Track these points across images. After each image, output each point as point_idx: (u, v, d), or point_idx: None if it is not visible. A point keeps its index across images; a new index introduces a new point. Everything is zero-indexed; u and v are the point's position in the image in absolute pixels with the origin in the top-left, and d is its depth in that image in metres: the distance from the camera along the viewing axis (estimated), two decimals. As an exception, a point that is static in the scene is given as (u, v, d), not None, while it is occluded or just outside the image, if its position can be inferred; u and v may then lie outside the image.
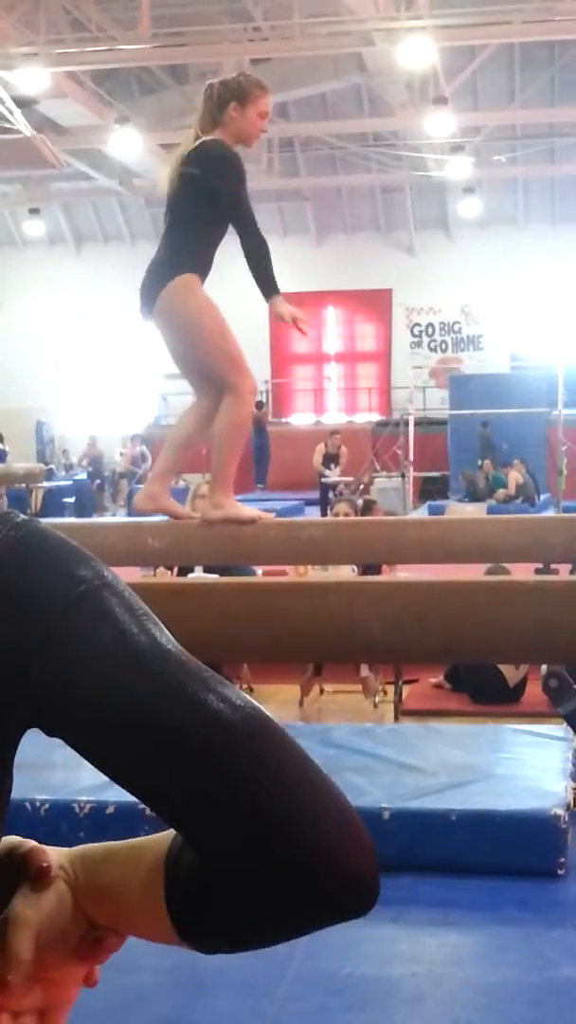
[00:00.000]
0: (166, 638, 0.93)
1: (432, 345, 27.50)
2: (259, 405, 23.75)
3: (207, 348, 4.82)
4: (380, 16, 15.76)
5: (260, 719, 0.91)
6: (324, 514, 13.58)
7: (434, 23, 15.94)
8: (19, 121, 18.24)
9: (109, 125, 19.17)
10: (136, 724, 0.89)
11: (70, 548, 0.97)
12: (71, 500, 22.38)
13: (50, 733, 0.94)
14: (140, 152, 20.10)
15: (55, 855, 1.02)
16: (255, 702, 0.92)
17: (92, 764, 0.93)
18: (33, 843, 1.03)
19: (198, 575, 7.20)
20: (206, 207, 4.68)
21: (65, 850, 1.03)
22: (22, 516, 0.98)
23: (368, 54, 17.70)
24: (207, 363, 4.83)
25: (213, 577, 6.88)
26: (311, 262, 27.33)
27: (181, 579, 6.91)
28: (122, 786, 0.93)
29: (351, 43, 17.01)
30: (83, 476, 24.44)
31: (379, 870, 0.93)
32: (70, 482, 23.79)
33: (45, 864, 0.99)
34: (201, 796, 0.89)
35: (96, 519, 16.45)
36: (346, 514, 8.91)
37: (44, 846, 1.02)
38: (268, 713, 0.92)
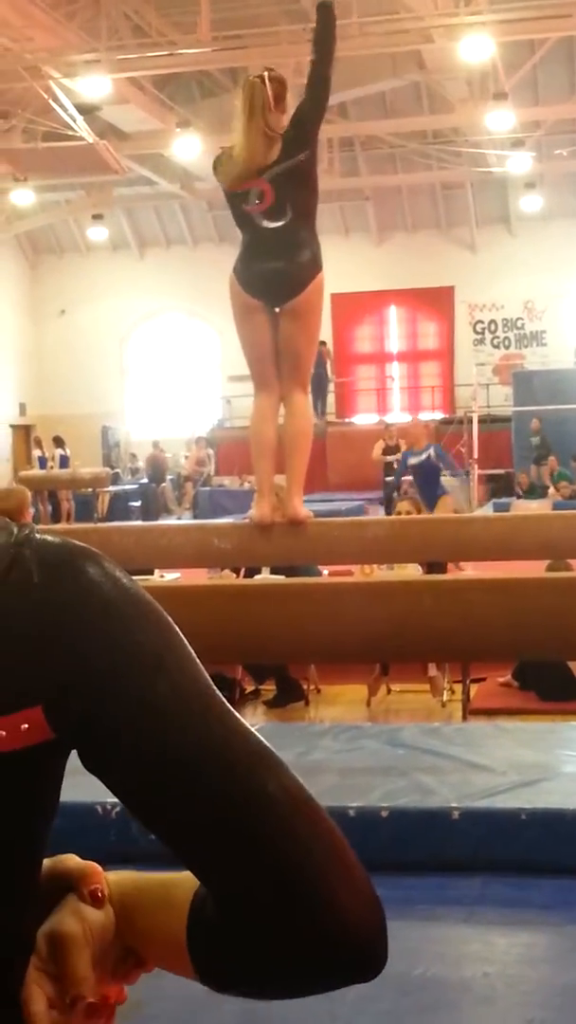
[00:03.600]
0: (212, 691, 0.97)
1: (495, 342, 27.34)
2: (321, 343, 24.16)
3: (313, 349, 5.13)
4: (439, 12, 15.72)
5: (301, 793, 0.95)
6: (388, 513, 13.59)
7: (493, 18, 15.85)
8: (82, 128, 18.38)
9: (170, 129, 19.25)
10: (181, 780, 0.92)
11: (131, 597, 0.97)
12: (137, 504, 22.47)
13: (87, 766, 0.96)
14: (201, 155, 20.16)
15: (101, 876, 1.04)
16: (298, 779, 0.96)
17: (124, 803, 0.95)
18: (76, 859, 1.04)
19: (264, 576, 7.21)
20: (314, 194, 4.88)
21: (109, 874, 1.04)
22: (79, 553, 0.97)
23: (427, 51, 17.65)
24: (308, 361, 5.14)
25: (279, 578, 6.89)
26: (373, 261, 27.29)
27: (247, 581, 6.92)
28: (154, 832, 0.95)
29: (410, 41, 16.97)
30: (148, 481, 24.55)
31: (385, 940, 0.96)
32: (136, 486, 23.90)
33: (100, 889, 1.01)
34: (232, 852, 0.92)
35: (162, 522, 16.51)
36: (408, 512, 8.88)
37: (95, 865, 1.04)
38: (305, 788, 0.96)
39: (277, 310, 4.94)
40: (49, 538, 0.97)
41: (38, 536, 0.97)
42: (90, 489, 21.17)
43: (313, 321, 5.04)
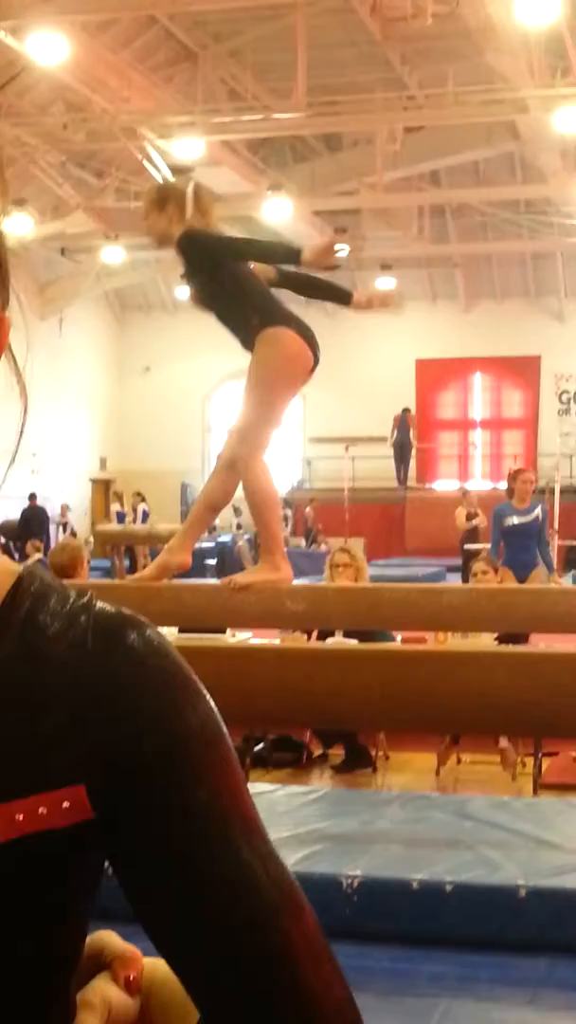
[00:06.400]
0: (251, 806, 0.94)
1: (580, 413, 27.21)
2: (406, 410, 24.90)
3: None
4: (535, 84, 15.76)
5: (321, 947, 0.92)
6: (466, 581, 13.38)
7: (588, 90, 15.88)
8: (174, 188, 18.60)
9: (261, 192, 19.44)
10: (198, 905, 0.90)
11: (184, 682, 0.94)
12: (213, 562, 22.51)
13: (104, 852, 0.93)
14: (291, 219, 20.35)
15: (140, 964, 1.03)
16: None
17: (130, 902, 0.92)
18: (118, 940, 1.03)
19: (338, 639, 7.15)
20: None
21: (147, 961, 1.03)
22: (143, 629, 0.95)
23: (522, 121, 17.70)
24: None
25: (352, 642, 6.84)
26: (459, 328, 27.33)
27: (318, 644, 6.87)
28: (156, 945, 0.92)
29: (505, 111, 17.03)
30: (226, 539, 24.61)
31: None
32: (212, 544, 23.96)
33: (136, 978, 1.01)
34: (236, 993, 0.89)
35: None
36: (484, 572, 8.78)
37: (136, 951, 1.02)
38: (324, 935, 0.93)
39: None
40: (106, 607, 0.95)
41: (96, 604, 0.95)
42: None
43: None
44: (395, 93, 18.66)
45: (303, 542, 23.68)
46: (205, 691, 0.95)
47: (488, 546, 12.96)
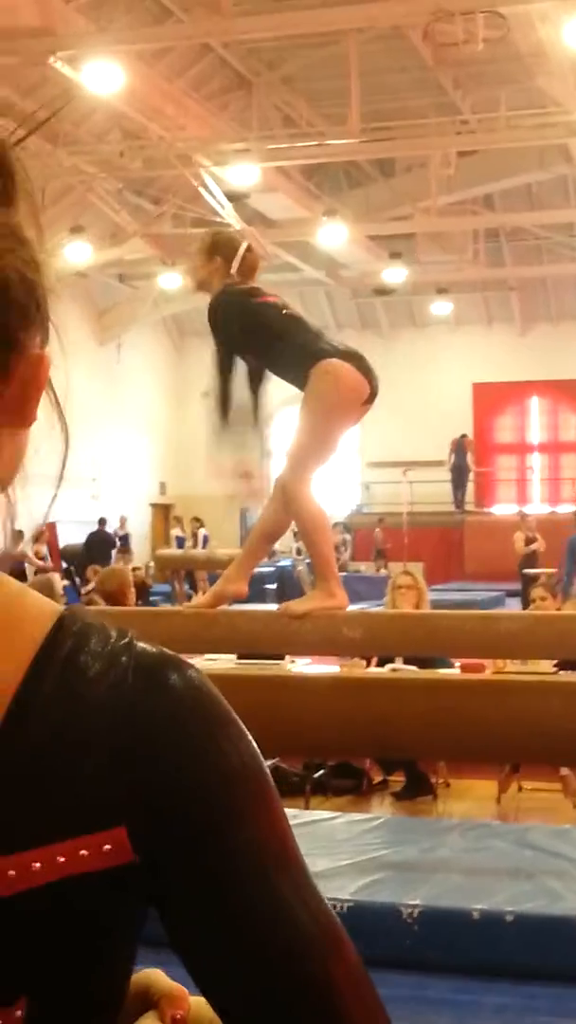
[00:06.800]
0: (291, 842, 0.94)
1: None
2: (463, 436, 25.13)
3: None
4: (587, 107, 15.74)
5: (363, 978, 0.92)
6: (525, 606, 13.32)
7: None
8: (230, 215, 18.72)
9: (317, 218, 19.50)
10: (236, 940, 0.90)
11: (224, 720, 0.94)
12: (273, 586, 22.51)
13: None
14: (346, 244, 20.39)
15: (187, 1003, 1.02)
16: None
17: (175, 944, 0.92)
18: (165, 979, 1.03)
19: (397, 665, 7.14)
20: None
21: (192, 999, 1.02)
22: (183, 669, 0.95)
23: (574, 145, 17.68)
24: None
25: (411, 668, 6.82)
26: (516, 352, 27.24)
27: (376, 671, 6.86)
28: (194, 976, 0.93)
29: (557, 134, 17.01)
30: (286, 563, 24.64)
31: None
32: (272, 568, 23.98)
33: (183, 1016, 1.00)
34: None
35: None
36: (543, 599, 8.74)
37: (183, 990, 1.02)
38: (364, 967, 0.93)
39: None
40: (147, 648, 0.95)
41: (137, 644, 0.95)
42: (227, 570, 21.23)
43: None
44: (448, 118, 18.68)
45: (361, 566, 23.63)
46: (245, 729, 0.94)
47: (548, 571, 12.89)
